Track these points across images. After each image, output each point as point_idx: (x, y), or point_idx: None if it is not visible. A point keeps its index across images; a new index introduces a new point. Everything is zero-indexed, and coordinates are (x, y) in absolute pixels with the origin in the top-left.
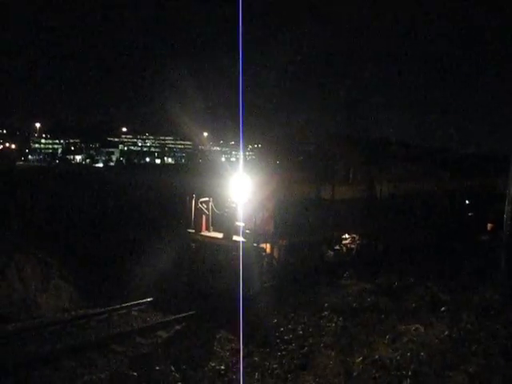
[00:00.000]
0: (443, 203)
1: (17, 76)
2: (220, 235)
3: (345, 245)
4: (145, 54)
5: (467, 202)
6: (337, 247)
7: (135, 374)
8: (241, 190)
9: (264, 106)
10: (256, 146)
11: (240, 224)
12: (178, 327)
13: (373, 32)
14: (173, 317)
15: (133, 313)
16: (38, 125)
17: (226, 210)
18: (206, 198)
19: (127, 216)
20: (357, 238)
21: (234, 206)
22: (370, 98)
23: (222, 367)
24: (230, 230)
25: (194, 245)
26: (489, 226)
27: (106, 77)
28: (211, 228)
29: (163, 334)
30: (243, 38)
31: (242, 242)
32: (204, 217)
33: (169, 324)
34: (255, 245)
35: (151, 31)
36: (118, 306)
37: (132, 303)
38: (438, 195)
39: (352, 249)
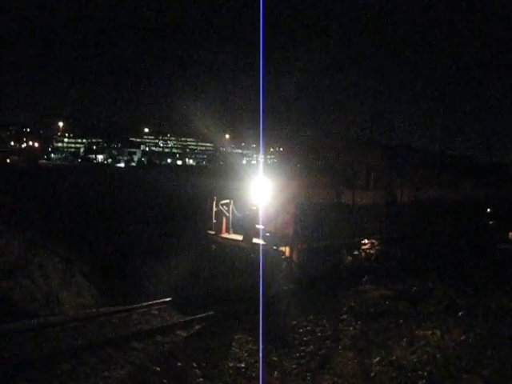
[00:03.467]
0: (464, 211)
1: (41, 75)
2: (240, 237)
3: (364, 250)
4: (170, 56)
5: (488, 210)
6: (356, 252)
7: (158, 368)
8: (261, 192)
9: (287, 110)
10: (277, 149)
11: (260, 227)
12: (197, 327)
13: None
14: (192, 317)
15: (153, 311)
16: (61, 124)
17: (247, 212)
18: (227, 200)
19: (149, 216)
20: (376, 243)
21: (254, 208)
22: (393, 104)
23: (243, 365)
24: (249, 233)
25: (213, 246)
26: (510, 234)
27: (130, 77)
28: (231, 230)
29: (183, 333)
30: (265, 42)
31: (262, 244)
32: (224, 219)
33: (188, 324)
34: (275, 248)
35: (177, 33)
36: (138, 305)
37: (152, 302)
38: (459, 202)
39: (371, 254)
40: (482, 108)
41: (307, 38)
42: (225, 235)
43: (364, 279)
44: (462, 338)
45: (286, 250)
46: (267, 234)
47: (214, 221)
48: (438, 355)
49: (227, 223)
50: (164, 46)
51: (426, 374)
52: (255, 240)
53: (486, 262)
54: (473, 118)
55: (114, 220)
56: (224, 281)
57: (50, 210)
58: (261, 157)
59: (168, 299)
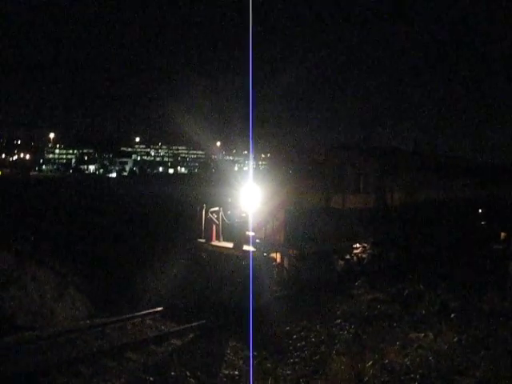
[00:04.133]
0: (456, 212)
1: (31, 86)
2: (230, 245)
3: (355, 254)
4: (159, 65)
5: (480, 210)
6: (347, 256)
7: (151, 379)
8: (251, 199)
9: (277, 116)
10: (268, 155)
11: (250, 233)
12: (191, 335)
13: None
14: (184, 326)
15: (147, 322)
16: (52, 135)
17: (236, 219)
18: (216, 208)
19: (139, 225)
20: (368, 247)
21: (244, 215)
22: (382, 107)
23: (236, 372)
24: (240, 240)
25: (204, 254)
26: (502, 234)
27: (119, 87)
28: (221, 238)
29: (177, 342)
30: (254, 49)
31: (252, 251)
32: (214, 226)
33: (181, 333)
34: (265, 254)
35: (165, 42)
36: (130, 315)
37: (145, 312)
38: (451, 204)
39: (363, 258)
40: (475, 106)
41: (300, 38)
42: (215, 243)
43: (357, 283)
44: (455, 339)
45: (277, 256)
46: (257, 241)
47: (204, 228)
48: (430, 357)
49: (217, 231)
50: (153, 54)
51: (418, 376)
52: (246, 247)
53: (478, 263)
54: (465, 117)
55: (105, 231)
56: (215, 289)
57: (41, 221)
58: (250, 163)
59: (159, 309)
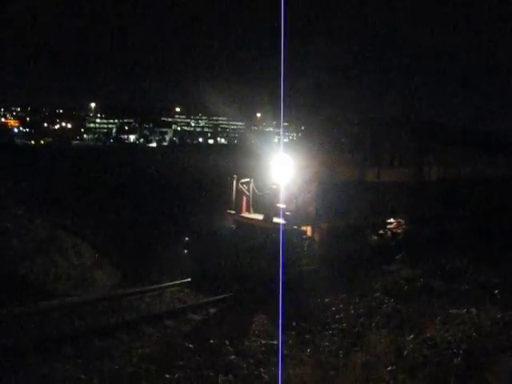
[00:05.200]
0: (497, 189)
1: (73, 56)
2: (260, 217)
3: (390, 229)
4: (200, 38)
5: None
6: (381, 231)
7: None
8: (282, 171)
9: (315, 87)
10: (303, 127)
11: (281, 206)
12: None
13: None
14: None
15: (185, 290)
16: (93, 104)
17: (267, 191)
18: (247, 179)
19: (172, 195)
20: (403, 222)
21: (274, 187)
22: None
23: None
24: (270, 212)
25: (234, 226)
26: None
27: (160, 58)
28: (252, 209)
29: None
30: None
31: (282, 224)
32: (245, 198)
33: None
34: (295, 227)
35: (206, 16)
36: (167, 284)
37: (170, 283)
38: (492, 181)
39: (398, 233)
40: None
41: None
42: (245, 215)
43: (397, 257)
44: (499, 316)
45: (308, 229)
46: (288, 213)
47: (235, 200)
48: (473, 333)
49: (248, 202)
50: (196, 27)
51: (461, 351)
52: (276, 219)
53: None
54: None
55: (137, 200)
56: (244, 261)
57: (77, 191)
58: (281, 134)
59: (187, 280)
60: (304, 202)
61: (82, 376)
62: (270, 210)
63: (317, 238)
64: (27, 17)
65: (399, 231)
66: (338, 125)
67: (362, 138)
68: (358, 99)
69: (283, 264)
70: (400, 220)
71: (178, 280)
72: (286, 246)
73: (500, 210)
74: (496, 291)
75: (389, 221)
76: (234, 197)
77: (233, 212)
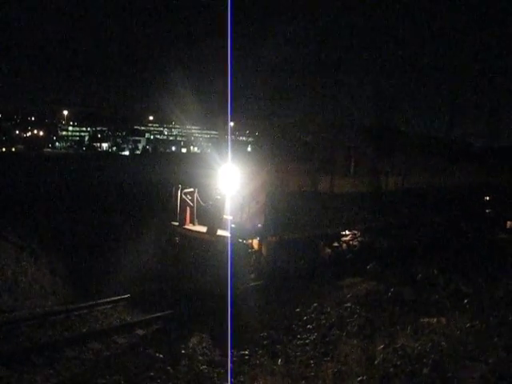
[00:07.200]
0: (459, 198)
1: (46, 64)
2: (204, 229)
3: (345, 241)
4: (172, 45)
5: (486, 198)
6: (335, 244)
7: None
8: (229, 180)
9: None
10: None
11: (228, 217)
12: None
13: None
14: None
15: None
16: (65, 112)
17: (210, 202)
18: (191, 189)
19: (123, 204)
20: (358, 234)
21: (219, 198)
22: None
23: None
24: (214, 224)
25: (177, 239)
26: (508, 223)
27: (133, 66)
28: (196, 221)
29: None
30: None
31: (226, 237)
32: (188, 209)
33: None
34: (240, 240)
35: (178, 20)
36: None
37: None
38: (454, 190)
39: (354, 246)
40: (483, 90)
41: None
42: (189, 226)
43: (369, 266)
44: (468, 325)
45: (254, 242)
46: (233, 226)
47: (179, 211)
48: (443, 342)
49: (192, 214)
50: (167, 35)
51: (430, 361)
52: (220, 232)
53: (483, 252)
54: (472, 100)
55: (79, 209)
56: (187, 276)
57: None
58: (229, 142)
59: (127, 296)
60: (250, 213)
61: None
62: (213, 222)
63: (264, 251)
64: None
65: (355, 243)
66: (289, 131)
67: (315, 146)
68: (323, 105)
69: (227, 279)
70: (355, 232)
71: (115, 296)
72: (231, 261)
73: (462, 220)
74: (466, 300)
75: (343, 233)
76: (178, 207)
77: (176, 224)
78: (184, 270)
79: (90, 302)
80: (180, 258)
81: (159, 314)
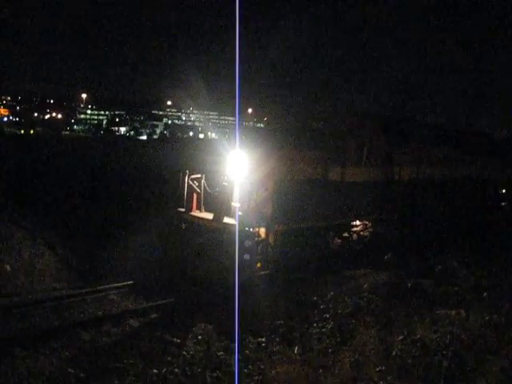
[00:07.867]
0: (474, 191)
1: (66, 47)
2: (210, 216)
3: (355, 232)
4: (193, 31)
5: (503, 191)
6: (345, 234)
7: None
8: (237, 167)
9: (283, 80)
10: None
11: (236, 205)
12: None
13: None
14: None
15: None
16: (84, 95)
17: (218, 188)
18: (198, 175)
19: (130, 191)
20: (369, 224)
21: (226, 184)
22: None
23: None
24: (220, 212)
25: (183, 225)
26: None
27: (153, 50)
28: (203, 208)
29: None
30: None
31: (233, 225)
32: (195, 195)
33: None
34: (247, 229)
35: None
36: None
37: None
38: (469, 182)
39: (365, 236)
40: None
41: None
42: (195, 213)
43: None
44: (488, 318)
45: (262, 231)
46: (240, 213)
47: (186, 197)
48: (462, 335)
49: (198, 200)
50: (191, 21)
51: (449, 353)
52: (226, 219)
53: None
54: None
55: (86, 194)
56: (191, 263)
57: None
58: (237, 128)
59: (130, 282)
60: (258, 201)
61: None
62: (220, 210)
63: (272, 240)
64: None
65: (366, 234)
66: (301, 118)
67: (326, 133)
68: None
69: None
70: (366, 222)
71: (119, 283)
72: (236, 249)
73: (476, 212)
74: (485, 294)
75: (354, 223)
76: (185, 194)
77: (183, 210)
78: (188, 258)
79: (105, 286)
80: (185, 245)
81: (171, 300)
